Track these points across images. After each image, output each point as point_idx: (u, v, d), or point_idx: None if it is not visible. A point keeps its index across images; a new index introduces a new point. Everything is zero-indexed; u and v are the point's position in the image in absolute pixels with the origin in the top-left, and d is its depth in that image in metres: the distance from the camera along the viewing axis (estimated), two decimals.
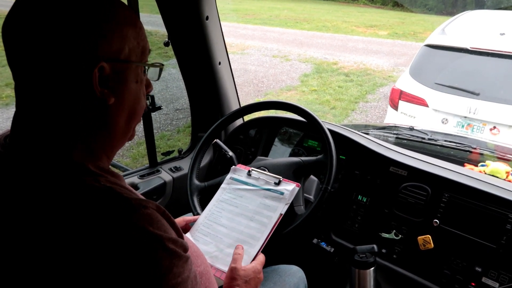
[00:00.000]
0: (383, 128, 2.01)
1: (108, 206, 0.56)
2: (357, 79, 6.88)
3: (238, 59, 7.90)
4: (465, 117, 3.25)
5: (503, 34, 3.43)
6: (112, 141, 0.67)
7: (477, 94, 3.23)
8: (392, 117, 3.86)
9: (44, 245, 0.55)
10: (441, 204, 1.26)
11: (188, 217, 1.21)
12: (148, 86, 0.72)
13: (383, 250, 1.34)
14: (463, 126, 3.28)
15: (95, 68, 0.60)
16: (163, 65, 0.74)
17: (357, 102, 5.94)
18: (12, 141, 0.63)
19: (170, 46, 1.54)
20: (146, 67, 0.70)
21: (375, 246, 1.22)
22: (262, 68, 7.48)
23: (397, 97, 3.75)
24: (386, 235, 1.34)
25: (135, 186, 1.51)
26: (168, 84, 5.85)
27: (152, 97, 1.47)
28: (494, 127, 3.16)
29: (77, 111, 0.61)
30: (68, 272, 0.54)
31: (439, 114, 3.40)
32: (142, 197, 0.66)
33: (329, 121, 5.21)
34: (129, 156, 4.12)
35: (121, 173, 1.62)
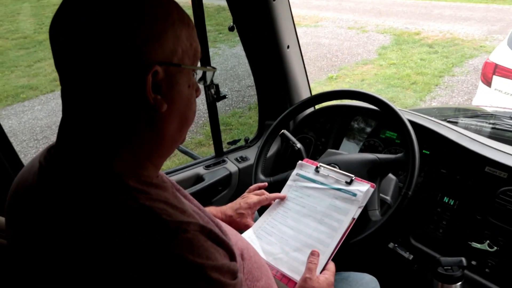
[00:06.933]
0: (476, 116, 1.75)
1: (143, 231, 0.51)
2: (443, 50, 6.26)
3: (311, 32, 7.60)
4: None
5: None
6: (161, 150, 0.61)
7: None
8: (484, 95, 3.46)
9: (79, 271, 0.52)
10: None
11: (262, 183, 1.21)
12: (198, 90, 0.65)
13: (473, 262, 1.16)
14: None
15: (149, 74, 0.53)
16: (215, 68, 0.66)
17: (442, 76, 5.42)
18: (56, 151, 0.60)
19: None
20: (196, 71, 0.62)
21: (463, 259, 1.06)
22: (337, 41, 7.13)
23: (491, 72, 3.33)
24: (478, 245, 1.16)
25: (200, 178, 1.49)
26: (240, 61, 5.84)
27: (217, 85, 1.42)
28: None
29: (126, 119, 0.56)
30: None
31: None
32: (192, 209, 0.60)
33: (409, 97, 4.88)
34: (202, 133, 4.22)
35: (191, 161, 1.60)
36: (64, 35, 0.54)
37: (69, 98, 0.57)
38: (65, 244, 0.53)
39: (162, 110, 0.57)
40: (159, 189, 0.58)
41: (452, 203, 1.23)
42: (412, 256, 1.26)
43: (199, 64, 0.64)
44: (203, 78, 0.66)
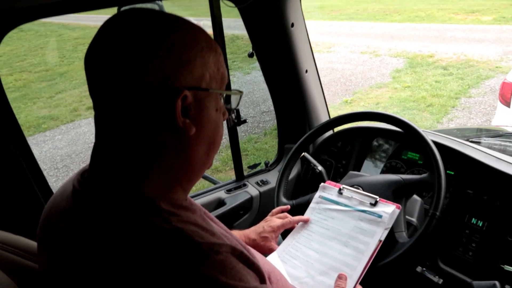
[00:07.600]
0: (499, 135, 1.72)
1: (175, 253, 0.51)
2: (458, 72, 6.23)
3: (325, 58, 7.69)
4: None
5: None
6: (190, 173, 0.62)
7: None
8: (503, 115, 3.40)
9: None
10: None
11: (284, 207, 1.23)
12: (225, 113, 0.67)
13: (507, 286, 1.12)
14: None
15: (178, 98, 0.55)
16: (242, 92, 0.67)
17: (458, 97, 5.37)
18: (89, 175, 0.61)
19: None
20: (223, 94, 0.64)
21: (497, 283, 1.03)
22: (350, 66, 7.18)
23: (509, 92, 3.29)
24: (511, 269, 1.12)
25: (222, 202, 1.49)
26: (254, 87, 5.92)
27: (237, 110, 1.44)
28: None
29: (156, 142, 0.57)
30: None
31: None
32: (220, 232, 0.60)
33: (426, 119, 4.84)
34: (219, 159, 4.24)
35: (212, 185, 1.61)
36: (97, 64, 0.56)
37: (102, 123, 0.59)
38: (100, 265, 0.54)
39: (191, 133, 0.58)
40: (189, 212, 0.59)
41: (480, 225, 1.19)
42: (442, 280, 1.22)
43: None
44: (229, 101, 0.67)
